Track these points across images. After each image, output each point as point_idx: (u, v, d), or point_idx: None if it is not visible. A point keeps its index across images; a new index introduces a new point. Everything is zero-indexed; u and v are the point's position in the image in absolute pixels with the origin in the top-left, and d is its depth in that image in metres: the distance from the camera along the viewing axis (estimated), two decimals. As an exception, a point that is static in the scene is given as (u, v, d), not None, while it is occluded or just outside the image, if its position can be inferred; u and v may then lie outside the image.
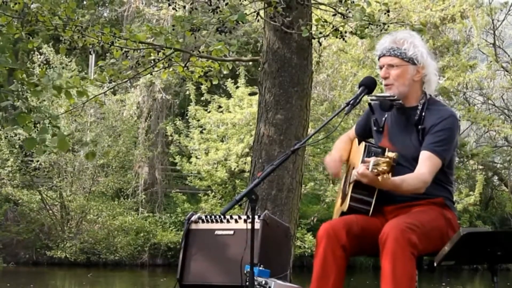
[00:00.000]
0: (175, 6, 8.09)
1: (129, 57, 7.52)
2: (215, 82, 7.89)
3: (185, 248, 4.58)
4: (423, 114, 3.57)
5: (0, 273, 17.24)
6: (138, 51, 7.44)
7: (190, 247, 4.58)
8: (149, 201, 21.33)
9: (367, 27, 6.50)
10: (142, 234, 19.76)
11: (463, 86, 21.72)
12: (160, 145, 22.11)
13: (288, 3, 6.50)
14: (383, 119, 3.71)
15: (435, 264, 3.26)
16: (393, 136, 3.65)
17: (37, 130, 6.17)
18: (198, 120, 19.67)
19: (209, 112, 19.62)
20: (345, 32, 6.69)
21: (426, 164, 3.47)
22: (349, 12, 6.57)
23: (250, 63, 18.42)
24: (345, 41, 8.20)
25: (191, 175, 20.24)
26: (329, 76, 19.38)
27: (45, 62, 18.97)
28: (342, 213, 3.62)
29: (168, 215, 20.79)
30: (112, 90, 17.18)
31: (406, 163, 3.52)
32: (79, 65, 20.96)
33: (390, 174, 3.26)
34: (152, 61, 7.41)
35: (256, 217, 4.25)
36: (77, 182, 19.57)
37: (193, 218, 4.64)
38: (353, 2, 6.61)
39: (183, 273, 4.53)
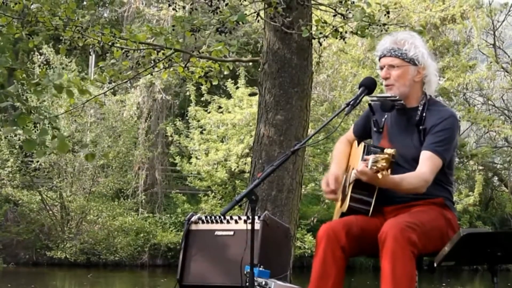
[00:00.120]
0: (175, 6, 8.10)
1: (129, 57, 7.52)
2: (215, 83, 7.89)
3: (185, 248, 4.58)
4: (424, 114, 3.57)
5: (0, 274, 17.23)
6: (138, 51, 7.44)
7: (190, 247, 4.58)
8: (149, 201, 21.33)
9: (367, 28, 6.50)
10: (142, 235, 19.76)
11: (463, 87, 21.72)
12: (160, 145, 22.11)
13: (288, 4, 6.50)
14: (383, 120, 3.71)
15: (435, 265, 3.26)
16: (393, 137, 3.65)
17: (37, 130, 6.16)
18: (198, 121, 19.68)
19: (209, 112, 19.62)
20: (345, 32, 6.70)
21: (427, 163, 3.46)
22: (349, 12, 6.57)
23: (250, 63, 18.43)
24: (345, 42, 8.19)
25: (191, 176, 20.24)
26: (329, 76, 19.37)
27: (45, 62, 18.97)
28: (342, 214, 3.62)
29: (168, 215, 20.79)
30: (112, 90, 17.20)
31: (405, 164, 3.52)
32: (79, 65, 20.96)
33: (389, 171, 3.25)
34: (152, 62, 7.41)
35: (256, 217, 4.24)
36: (77, 182, 19.57)
37: (193, 219, 4.64)
38: (353, 2, 6.61)
39: (183, 274, 4.53)
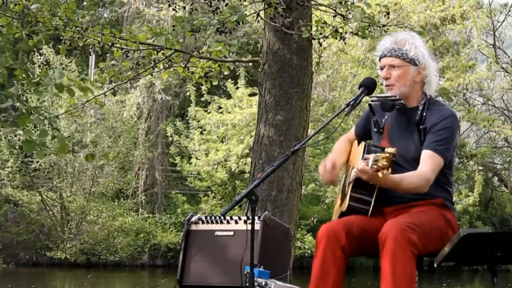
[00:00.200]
0: (175, 7, 8.09)
1: (129, 58, 7.52)
2: (215, 83, 7.88)
3: (185, 249, 4.57)
4: (424, 114, 3.57)
5: (0, 274, 17.23)
6: (138, 51, 7.44)
7: (190, 248, 4.58)
8: (149, 202, 21.33)
9: (367, 29, 6.51)
10: (142, 235, 19.76)
11: (463, 87, 21.72)
12: (160, 146, 22.11)
13: (288, 4, 6.50)
14: (383, 120, 3.71)
15: (435, 265, 3.26)
16: (393, 137, 3.65)
17: (37, 131, 6.16)
18: (198, 121, 19.68)
19: (209, 113, 19.62)
20: (345, 33, 6.70)
21: (428, 163, 3.46)
22: (349, 13, 6.57)
23: (250, 64, 18.43)
24: (345, 43, 8.19)
25: (191, 176, 20.24)
26: (329, 76, 19.37)
27: (45, 63, 18.97)
28: (342, 214, 3.62)
29: (168, 216, 20.79)
30: (112, 91, 17.20)
31: (406, 164, 3.52)
32: (79, 65, 20.95)
33: (390, 170, 3.25)
34: (152, 62, 7.41)
35: (256, 218, 4.24)
36: (77, 183, 19.57)
37: (193, 219, 4.63)
38: (353, 3, 6.61)
39: (183, 274, 4.53)
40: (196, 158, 19.53)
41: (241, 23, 6.71)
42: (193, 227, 4.63)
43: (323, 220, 14.64)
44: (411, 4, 18.56)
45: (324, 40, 6.99)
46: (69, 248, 18.57)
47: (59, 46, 7.62)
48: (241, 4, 7.89)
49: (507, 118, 23.80)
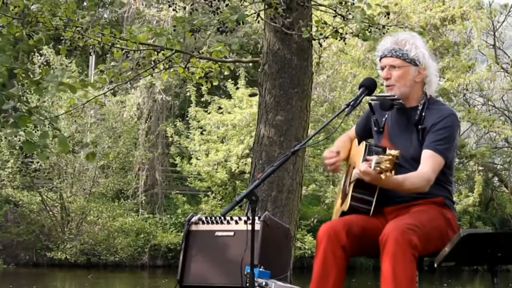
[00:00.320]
0: (175, 7, 8.09)
1: (129, 58, 7.52)
2: (215, 83, 7.89)
3: (185, 249, 4.57)
4: (423, 113, 3.57)
5: (0, 275, 17.23)
6: (139, 52, 7.43)
7: (190, 248, 4.58)
8: (149, 202, 21.32)
9: (368, 29, 6.50)
10: (142, 235, 19.75)
11: (463, 88, 21.72)
12: (160, 146, 22.10)
13: (288, 5, 6.50)
14: (383, 119, 3.71)
15: (435, 265, 3.26)
16: (393, 137, 3.65)
17: (37, 131, 6.15)
18: (198, 121, 19.68)
19: (209, 113, 19.63)
20: (346, 33, 6.69)
21: (429, 162, 3.46)
22: (349, 14, 6.57)
23: (250, 64, 18.42)
24: (345, 43, 8.19)
25: (191, 176, 20.24)
26: (329, 77, 19.38)
27: (45, 63, 18.96)
28: (343, 213, 3.62)
29: (168, 216, 20.79)
30: (112, 91, 17.18)
31: (406, 164, 3.52)
32: (79, 66, 20.95)
33: (393, 172, 3.25)
34: (152, 62, 7.40)
35: (256, 218, 4.24)
36: (77, 183, 19.57)
37: (193, 219, 4.63)
38: (353, 4, 6.61)
39: (183, 274, 4.53)
40: (196, 158, 19.53)
41: (241, 23, 6.71)
42: (193, 227, 4.63)
43: (323, 221, 14.59)
44: (411, 4, 18.57)
45: (324, 41, 6.99)
46: (69, 249, 18.57)
47: (59, 47, 7.62)
48: (241, 5, 7.88)
49: (507, 119, 23.82)
